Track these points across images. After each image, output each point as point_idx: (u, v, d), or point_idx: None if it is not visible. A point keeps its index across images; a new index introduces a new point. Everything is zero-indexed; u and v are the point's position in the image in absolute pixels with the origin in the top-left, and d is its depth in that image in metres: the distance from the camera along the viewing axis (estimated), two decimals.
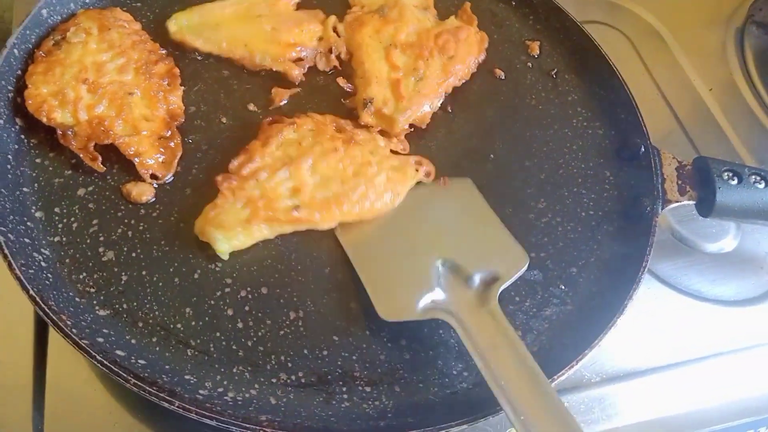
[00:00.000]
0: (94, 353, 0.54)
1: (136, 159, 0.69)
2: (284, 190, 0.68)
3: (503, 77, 0.85)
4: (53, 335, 0.64)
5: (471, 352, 0.58)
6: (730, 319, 0.80)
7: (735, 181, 0.73)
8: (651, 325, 0.78)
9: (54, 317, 0.56)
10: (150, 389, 0.53)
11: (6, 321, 0.66)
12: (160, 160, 0.70)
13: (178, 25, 0.79)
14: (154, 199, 0.68)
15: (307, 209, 0.67)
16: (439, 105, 0.80)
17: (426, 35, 0.81)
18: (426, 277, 0.64)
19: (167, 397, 0.53)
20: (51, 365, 0.63)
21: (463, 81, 0.82)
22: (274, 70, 0.79)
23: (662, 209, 0.73)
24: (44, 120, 0.68)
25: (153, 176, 0.69)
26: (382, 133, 0.76)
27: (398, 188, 0.72)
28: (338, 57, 0.82)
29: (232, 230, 0.65)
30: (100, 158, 0.68)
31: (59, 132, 0.68)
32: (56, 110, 0.68)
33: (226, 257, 0.66)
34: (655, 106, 1.00)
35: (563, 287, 0.69)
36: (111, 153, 0.69)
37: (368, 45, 0.80)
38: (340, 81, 0.80)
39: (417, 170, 0.74)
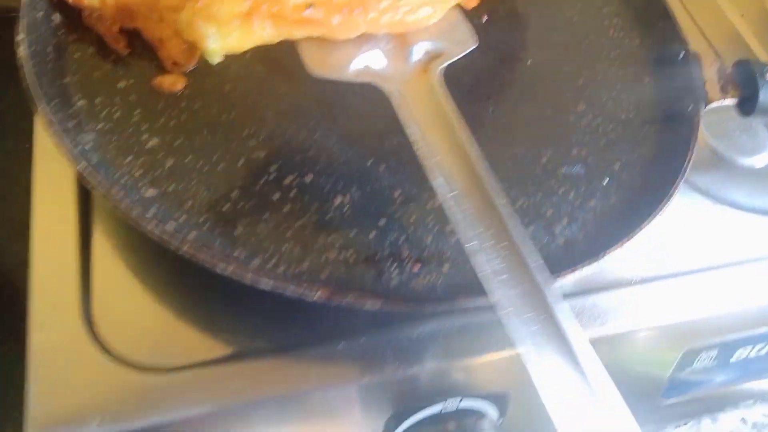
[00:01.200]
0: (146, 223, 0.54)
1: (158, 46, 0.68)
2: None
3: None
4: (98, 217, 0.64)
5: (405, 122, 0.55)
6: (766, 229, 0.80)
7: None
8: (683, 230, 0.77)
9: (105, 190, 0.56)
10: (204, 256, 0.53)
11: (49, 207, 0.65)
12: (183, 47, 0.68)
13: None
14: (187, 90, 0.67)
15: (324, 8, 0.54)
16: None
17: None
18: (365, 37, 0.58)
19: (223, 262, 0.53)
20: (96, 247, 0.63)
21: None
22: None
23: (704, 108, 0.73)
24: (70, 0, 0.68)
25: (175, 64, 0.68)
26: None
27: (437, 5, 0.61)
28: None
29: (228, 25, 0.52)
30: (123, 42, 0.68)
31: (85, 13, 0.68)
32: None
33: (216, 60, 0.56)
34: (685, 30, 0.99)
35: (606, 181, 0.69)
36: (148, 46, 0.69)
37: None
38: None
39: None
